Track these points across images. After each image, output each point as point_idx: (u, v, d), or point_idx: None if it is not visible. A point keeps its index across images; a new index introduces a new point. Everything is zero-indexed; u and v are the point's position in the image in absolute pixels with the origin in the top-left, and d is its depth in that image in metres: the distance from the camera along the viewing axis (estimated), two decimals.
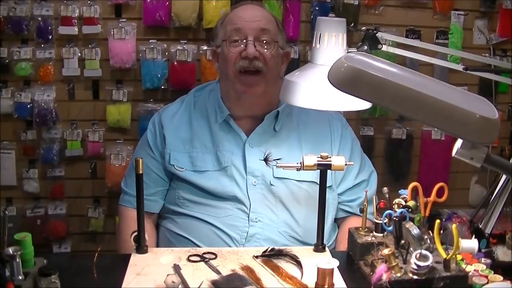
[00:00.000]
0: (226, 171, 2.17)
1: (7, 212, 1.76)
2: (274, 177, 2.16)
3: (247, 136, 2.21)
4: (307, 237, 2.11)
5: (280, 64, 2.22)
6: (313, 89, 1.83)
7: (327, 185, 2.12)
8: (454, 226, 1.60)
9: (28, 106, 2.94)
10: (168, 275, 1.63)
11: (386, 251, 1.63)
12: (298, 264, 1.81)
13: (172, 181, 2.26)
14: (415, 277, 1.60)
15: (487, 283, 1.68)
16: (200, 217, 2.16)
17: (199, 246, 2.11)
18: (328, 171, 2.06)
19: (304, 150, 2.18)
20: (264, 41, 2.12)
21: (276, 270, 1.77)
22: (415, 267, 1.59)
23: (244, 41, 2.11)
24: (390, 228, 1.80)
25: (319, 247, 1.94)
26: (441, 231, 1.73)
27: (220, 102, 2.22)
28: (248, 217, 2.14)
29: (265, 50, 2.12)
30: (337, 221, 2.33)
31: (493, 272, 1.73)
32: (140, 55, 2.97)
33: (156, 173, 2.25)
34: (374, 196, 1.92)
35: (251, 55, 2.09)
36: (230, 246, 2.11)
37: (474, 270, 1.73)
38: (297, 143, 2.22)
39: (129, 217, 2.24)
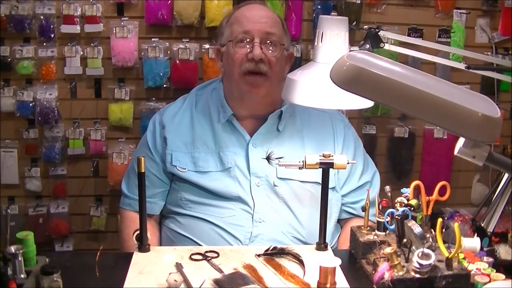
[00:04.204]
0: (229, 172, 2.17)
1: (9, 211, 1.76)
2: (278, 178, 2.16)
3: (251, 136, 2.20)
4: (311, 238, 2.10)
5: (284, 66, 2.22)
6: (315, 88, 1.83)
7: (331, 186, 2.12)
8: (456, 224, 1.60)
9: (30, 104, 2.94)
10: (170, 273, 1.63)
11: (388, 250, 1.63)
12: (300, 262, 1.81)
13: (173, 182, 2.25)
14: (417, 275, 1.60)
15: (489, 281, 1.68)
16: (203, 217, 2.15)
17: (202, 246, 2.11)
18: (332, 172, 2.06)
19: (307, 151, 2.17)
20: (270, 43, 2.12)
21: (278, 268, 1.77)
22: (417, 265, 1.59)
23: (251, 42, 2.11)
24: (392, 226, 1.80)
25: (321, 245, 1.94)
26: (443, 230, 1.73)
27: (223, 101, 2.22)
28: (252, 218, 2.13)
29: (271, 52, 2.12)
30: (340, 222, 2.32)
31: (495, 271, 1.73)
32: (142, 53, 2.97)
33: (156, 175, 2.24)
34: (376, 198, 1.92)
35: (258, 57, 2.08)
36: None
37: (476, 268, 1.74)
38: (300, 144, 2.22)
39: (130, 219, 2.25)
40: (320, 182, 1.92)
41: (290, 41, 2.27)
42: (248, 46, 2.11)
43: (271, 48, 2.12)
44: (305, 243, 2.14)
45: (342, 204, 2.28)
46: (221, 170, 2.17)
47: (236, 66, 2.12)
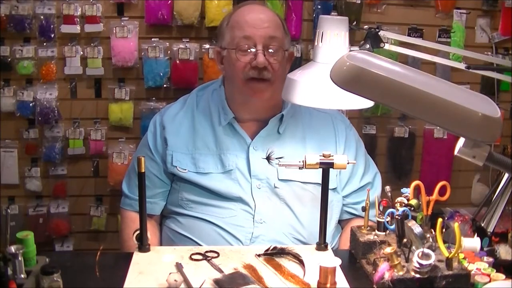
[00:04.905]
0: (230, 174, 2.16)
1: (9, 211, 1.77)
2: (279, 180, 2.16)
3: (251, 139, 2.20)
4: (311, 239, 2.09)
5: (286, 67, 2.21)
6: (315, 88, 1.83)
7: (332, 187, 2.13)
8: (456, 224, 1.60)
9: (31, 104, 2.94)
10: (170, 273, 1.63)
11: (388, 250, 1.63)
12: (301, 262, 1.81)
13: (174, 182, 2.24)
14: (417, 275, 1.60)
15: (489, 281, 1.68)
16: (204, 217, 2.15)
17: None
18: (334, 173, 2.06)
19: (308, 152, 2.16)
20: (272, 51, 2.10)
21: (279, 268, 1.77)
22: (417, 265, 1.59)
23: (253, 49, 2.09)
24: (392, 226, 1.80)
25: (321, 245, 1.94)
26: (443, 230, 1.73)
27: (225, 104, 2.21)
28: (253, 218, 2.13)
29: (273, 59, 2.11)
30: (342, 223, 2.32)
31: (495, 271, 1.73)
32: (143, 53, 2.97)
33: (156, 175, 2.24)
34: (376, 199, 1.91)
35: (261, 64, 2.07)
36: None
37: (476, 268, 1.74)
38: (302, 146, 2.21)
39: (131, 219, 2.25)
40: (320, 182, 1.92)
41: (290, 40, 2.26)
42: (250, 50, 2.10)
43: (273, 54, 2.11)
44: (305, 244, 2.14)
45: (344, 205, 2.28)
46: (222, 172, 2.17)
47: (239, 73, 2.11)
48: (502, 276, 1.70)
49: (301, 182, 2.17)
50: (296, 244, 2.13)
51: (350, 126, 2.35)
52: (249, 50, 2.10)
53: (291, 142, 2.21)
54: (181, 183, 2.21)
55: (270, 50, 2.10)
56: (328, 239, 1.99)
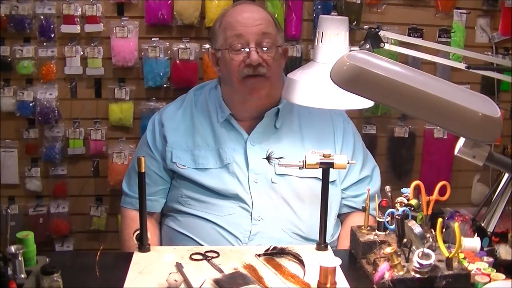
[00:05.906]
0: (228, 168, 2.17)
1: (9, 211, 1.77)
2: (276, 174, 2.16)
3: (248, 134, 2.21)
4: (311, 233, 2.11)
5: (281, 64, 2.23)
6: (315, 88, 1.84)
7: (331, 180, 2.13)
8: (456, 224, 1.60)
9: (31, 104, 2.94)
10: (170, 273, 1.63)
11: (388, 250, 1.63)
12: (301, 262, 1.81)
13: (174, 179, 2.26)
14: (418, 275, 1.60)
15: (489, 281, 1.68)
16: (203, 215, 2.16)
17: (201, 245, 2.11)
18: None
19: (307, 147, 2.18)
20: (266, 46, 2.12)
21: (279, 268, 1.77)
22: (418, 265, 1.59)
23: (246, 48, 2.11)
24: (393, 226, 1.80)
25: (322, 245, 1.94)
26: (444, 230, 1.73)
27: (221, 102, 2.23)
28: (251, 216, 2.13)
29: (267, 56, 2.12)
30: (340, 217, 2.32)
31: (495, 271, 1.73)
32: (143, 53, 2.97)
33: (156, 172, 2.25)
34: (376, 196, 1.92)
35: (255, 62, 2.09)
36: (233, 245, 2.10)
37: (477, 268, 1.74)
38: (299, 140, 2.22)
39: (131, 218, 2.26)
40: (319, 176, 1.93)
41: (283, 37, 2.27)
42: (244, 48, 2.12)
43: (266, 50, 2.13)
44: (305, 238, 2.15)
45: (343, 198, 2.29)
46: (220, 166, 2.19)
47: (234, 73, 2.13)
48: (502, 276, 1.70)
49: (298, 176, 2.17)
50: (295, 239, 2.14)
51: (347, 120, 2.36)
52: (242, 49, 2.12)
53: (289, 137, 2.22)
54: (181, 180, 2.22)
55: (264, 48, 2.12)
56: (328, 232, 1.99)
